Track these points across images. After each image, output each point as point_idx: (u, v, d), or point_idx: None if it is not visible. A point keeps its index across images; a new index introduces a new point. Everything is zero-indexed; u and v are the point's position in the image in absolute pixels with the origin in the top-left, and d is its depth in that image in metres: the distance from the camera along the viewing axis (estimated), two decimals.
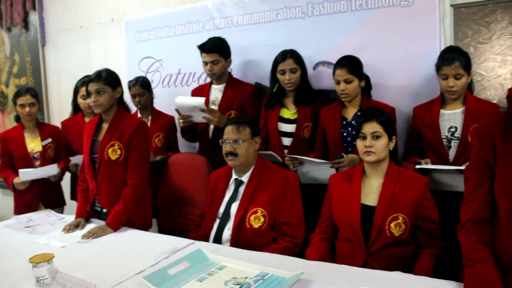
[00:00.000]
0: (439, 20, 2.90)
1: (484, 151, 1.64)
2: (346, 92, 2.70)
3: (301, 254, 2.26)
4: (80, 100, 3.60)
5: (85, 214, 2.77)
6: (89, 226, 2.66)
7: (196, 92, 3.45)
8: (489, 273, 1.57)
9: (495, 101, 2.77)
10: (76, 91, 3.64)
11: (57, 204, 3.73)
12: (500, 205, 1.60)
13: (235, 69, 3.58)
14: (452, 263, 2.00)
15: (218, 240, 2.45)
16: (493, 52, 2.84)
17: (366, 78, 2.84)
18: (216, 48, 3.14)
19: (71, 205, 3.54)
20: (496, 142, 1.61)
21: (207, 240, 2.48)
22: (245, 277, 1.82)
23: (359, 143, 2.22)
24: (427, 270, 2.01)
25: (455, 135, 2.54)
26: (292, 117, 3.01)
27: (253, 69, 3.53)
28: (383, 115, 2.22)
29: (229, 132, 2.49)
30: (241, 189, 2.49)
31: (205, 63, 3.19)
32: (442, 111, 2.61)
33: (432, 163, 2.50)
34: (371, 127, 2.18)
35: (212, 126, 3.26)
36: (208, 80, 3.39)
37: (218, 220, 2.50)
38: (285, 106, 3.06)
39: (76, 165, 3.45)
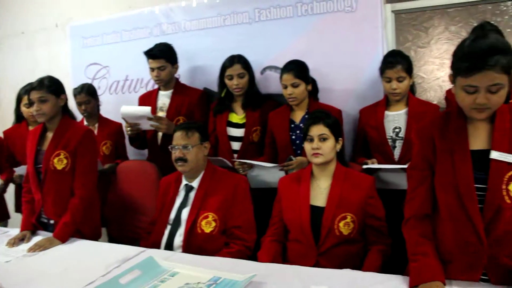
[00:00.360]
0: (381, 25, 3.00)
1: (424, 150, 1.71)
2: (293, 96, 2.75)
3: (253, 257, 2.28)
4: (23, 109, 3.49)
5: (31, 227, 2.67)
6: (36, 239, 2.55)
7: (143, 99, 3.42)
8: (431, 265, 1.64)
9: (435, 102, 2.89)
10: (19, 99, 3.53)
11: (1, 218, 3.59)
12: (440, 200, 1.68)
13: (183, 74, 3.57)
14: (399, 258, 2.06)
15: (169, 246, 2.42)
16: (432, 56, 2.97)
17: (313, 82, 2.90)
18: (162, 54, 3.13)
19: (16, 218, 3.42)
20: (435, 141, 1.68)
21: (158, 247, 2.45)
22: (198, 282, 1.81)
23: (307, 146, 2.26)
24: (375, 266, 2.07)
25: (399, 135, 2.63)
26: (241, 122, 3.03)
27: (201, 74, 3.53)
28: (330, 117, 2.27)
29: (178, 138, 2.48)
30: (192, 194, 2.49)
31: (152, 69, 3.17)
32: (386, 112, 2.69)
33: (378, 163, 2.58)
34: (318, 130, 2.22)
35: (160, 133, 3.23)
36: (156, 86, 3.36)
37: (169, 227, 2.48)
38: (233, 111, 3.08)
39: (21, 176, 3.33)
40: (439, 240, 1.70)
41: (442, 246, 1.69)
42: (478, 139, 1.64)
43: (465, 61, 1.50)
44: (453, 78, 1.59)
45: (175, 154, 2.47)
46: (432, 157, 1.69)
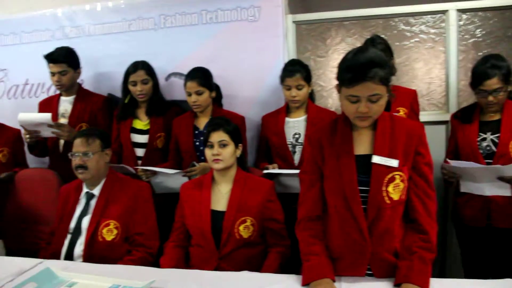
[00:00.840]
0: (282, 35, 3.13)
1: (314, 155, 1.82)
2: (197, 103, 2.78)
3: (157, 264, 2.28)
4: None
5: None
6: None
7: (43, 104, 3.30)
8: (321, 264, 1.75)
9: (333, 109, 3.05)
10: None
11: None
12: (329, 202, 1.80)
13: (87, 80, 3.49)
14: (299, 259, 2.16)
15: (70, 256, 2.36)
16: (330, 65, 3.14)
17: (217, 88, 2.96)
18: (63, 58, 3.05)
19: None
20: (323, 146, 1.79)
21: (58, 257, 2.38)
22: None
23: (207, 152, 2.30)
24: (274, 268, 2.15)
25: (299, 141, 2.75)
26: (145, 128, 3.02)
27: (105, 80, 3.47)
28: (229, 124, 2.34)
29: (78, 145, 2.43)
30: (93, 202, 2.44)
31: (53, 74, 3.07)
32: (287, 119, 2.80)
33: (279, 168, 2.68)
34: (218, 136, 2.28)
35: (62, 140, 3.14)
36: (58, 91, 3.26)
37: (69, 236, 2.41)
38: (137, 117, 3.05)
39: None
40: (329, 239, 1.81)
41: (331, 245, 1.80)
42: (362, 145, 1.76)
43: (347, 73, 1.62)
44: (338, 88, 1.70)
45: (75, 161, 2.42)
46: (321, 162, 1.80)
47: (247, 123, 2.97)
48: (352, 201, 1.71)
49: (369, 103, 1.63)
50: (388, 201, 1.69)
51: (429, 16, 3.11)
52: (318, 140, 1.81)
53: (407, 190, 1.74)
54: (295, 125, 2.77)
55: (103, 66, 3.49)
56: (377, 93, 1.61)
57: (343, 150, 1.75)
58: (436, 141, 2.88)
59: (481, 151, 2.48)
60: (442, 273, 3.10)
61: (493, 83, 2.40)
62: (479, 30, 3.07)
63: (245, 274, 1.92)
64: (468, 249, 2.68)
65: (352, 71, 1.61)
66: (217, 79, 2.95)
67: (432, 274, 1.71)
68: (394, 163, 1.69)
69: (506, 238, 2.48)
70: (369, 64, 1.59)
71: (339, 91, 1.71)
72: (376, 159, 1.70)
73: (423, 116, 3.00)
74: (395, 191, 1.70)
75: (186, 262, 2.33)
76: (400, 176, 1.70)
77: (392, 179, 1.69)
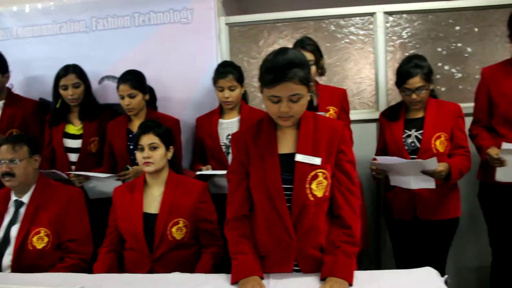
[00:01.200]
0: (216, 37, 3.15)
1: (240, 156, 1.85)
2: (130, 106, 2.77)
3: (91, 270, 2.25)
4: None
5: None
6: None
7: None
8: (249, 262, 1.78)
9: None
10: None
11: None
12: (255, 201, 1.83)
13: (18, 84, 3.38)
14: None
15: None
16: None
17: (151, 91, 2.94)
18: None
19: None
20: (248, 147, 1.83)
21: None
22: None
23: (138, 155, 2.30)
24: (207, 268, 2.18)
25: None
26: (78, 133, 2.96)
27: (36, 84, 3.37)
28: (160, 127, 2.34)
29: (4, 151, 2.36)
30: (22, 210, 2.38)
31: None
32: (220, 120, 2.83)
33: (213, 169, 2.70)
34: (148, 139, 2.28)
35: None
36: None
37: None
38: (70, 122, 2.99)
39: None
40: (257, 238, 1.85)
41: (259, 243, 1.84)
42: (286, 144, 1.81)
43: (268, 74, 1.66)
44: (261, 89, 1.74)
45: (1, 168, 2.36)
46: (247, 162, 1.83)
47: (182, 125, 2.97)
48: (276, 199, 1.75)
49: (290, 103, 1.67)
50: (312, 198, 1.74)
51: (358, 18, 3.23)
52: (243, 141, 1.84)
53: (331, 187, 1.80)
54: (229, 126, 2.80)
55: (34, 70, 3.39)
56: (298, 93, 1.66)
57: (268, 149, 1.79)
58: (367, 139, 2.98)
59: (406, 148, 2.58)
60: (377, 265, 3.20)
61: (416, 81, 2.51)
62: (405, 32, 3.21)
63: (176, 276, 1.94)
64: (397, 242, 2.79)
65: (272, 72, 1.65)
66: (151, 82, 2.94)
67: (364, 266, 1.77)
68: (316, 161, 1.75)
69: (431, 230, 2.60)
70: (289, 65, 1.64)
71: (261, 92, 1.75)
72: (299, 157, 1.75)
73: (355, 115, 3.10)
74: (318, 188, 1.75)
75: (120, 266, 2.32)
76: (323, 173, 1.75)
77: (315, 177, 1.74)
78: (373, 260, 3.22)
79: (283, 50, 1.72)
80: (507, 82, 2.55)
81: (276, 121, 1.77)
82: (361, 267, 1.83)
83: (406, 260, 2.70)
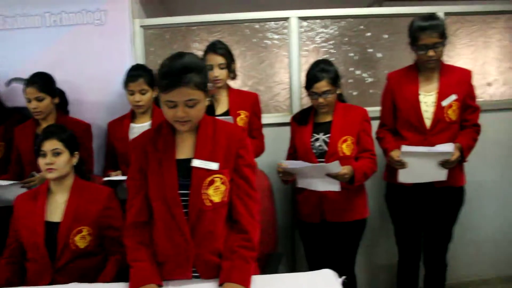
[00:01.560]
0: (130, 39, 3.11)
1: (139, 161, 1.83)
2: (38, 110, 2.69)
3: None
4: None
5: None
6: None
7: None
8: (146, 269, 1.77)
9: None
10: None
11: None
12: (153, 207, 1.81)
13: None
14: None
15: None
16: None
17: (62, 94, 2.86)
18: None
19: None
20: (147, 152, 1.81)
21: None
22: None
23: (41, 161, 2.22)
24: (111, 275, 2.14)
25: None
26: None
27: None
28: (64, 131, 2.28)
29: None
30: None
31: None
32: (132, 124, 2.80)
33: (123, 174, 2.65)
34: (50, 145, 2.20)
35: None
36: None
37: None
38: None
39: None
40: (156, 244, 1.83)
41: (158, 249, 1.82)
42: (184, 149, 1.82)
43: (163, 79, 1.67)
44: (158, 93, 1.74)
45: None
46: (146, 167, 1.81)
47: (95, 129, 2.92)
48: (173, 205, 1.75)
49: (186, 108, 1.68)
50: (209, 204, 1.75)
51: (272, 22, 3.28)
52: (142, 146, 1.83)
53: (230, 192, 1.82)
54: (140, 131, 2.70)
55: None
56: (193, 98, 1.67)
57: (165, 155, 1.79)
58: (281, 142, 3.03)
59: (314, 151, 2.65)
60: (292, 268, 3.27)
61: (322, 85, 2.58)
62: (318, 37, 3.30)
63: (74, 286, 1.88)
64: (308, 244, 2.85)
65: (168, 77, 1.65)
66: (62, 84, 2.87)
67: (277, 270, 1.79)
68: (213, 166, 1.76)
69: (339, 232, 2.68)
70: (184, 69, 1.65)
71: (159, 96, 1.75)
72: (196, 162, 1.76)
73: (269, 119, 3.16)
74: (216, 193, 1.77)
75: (22, 278, 2.23)
76: (221, 178, 1.77)
77: (212, 182, 1.76)
78: (288, 264, 3.28)
79: (180, 55, 1.73)
80: (409, 87, 2.68)
81: (174, 125, 1.77)
82: (273, 271, 1.86)
83: (317, 262, 2.75)
